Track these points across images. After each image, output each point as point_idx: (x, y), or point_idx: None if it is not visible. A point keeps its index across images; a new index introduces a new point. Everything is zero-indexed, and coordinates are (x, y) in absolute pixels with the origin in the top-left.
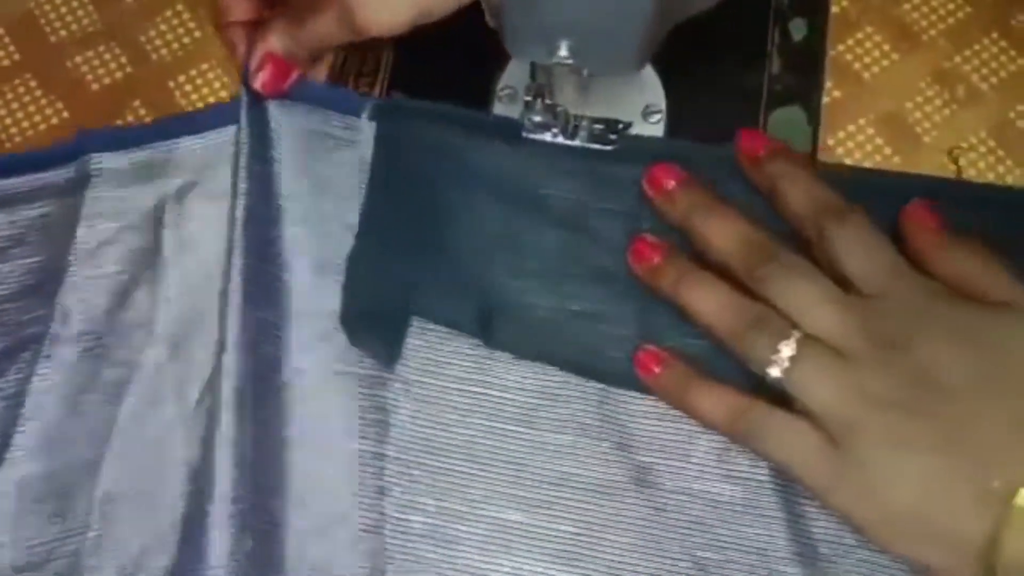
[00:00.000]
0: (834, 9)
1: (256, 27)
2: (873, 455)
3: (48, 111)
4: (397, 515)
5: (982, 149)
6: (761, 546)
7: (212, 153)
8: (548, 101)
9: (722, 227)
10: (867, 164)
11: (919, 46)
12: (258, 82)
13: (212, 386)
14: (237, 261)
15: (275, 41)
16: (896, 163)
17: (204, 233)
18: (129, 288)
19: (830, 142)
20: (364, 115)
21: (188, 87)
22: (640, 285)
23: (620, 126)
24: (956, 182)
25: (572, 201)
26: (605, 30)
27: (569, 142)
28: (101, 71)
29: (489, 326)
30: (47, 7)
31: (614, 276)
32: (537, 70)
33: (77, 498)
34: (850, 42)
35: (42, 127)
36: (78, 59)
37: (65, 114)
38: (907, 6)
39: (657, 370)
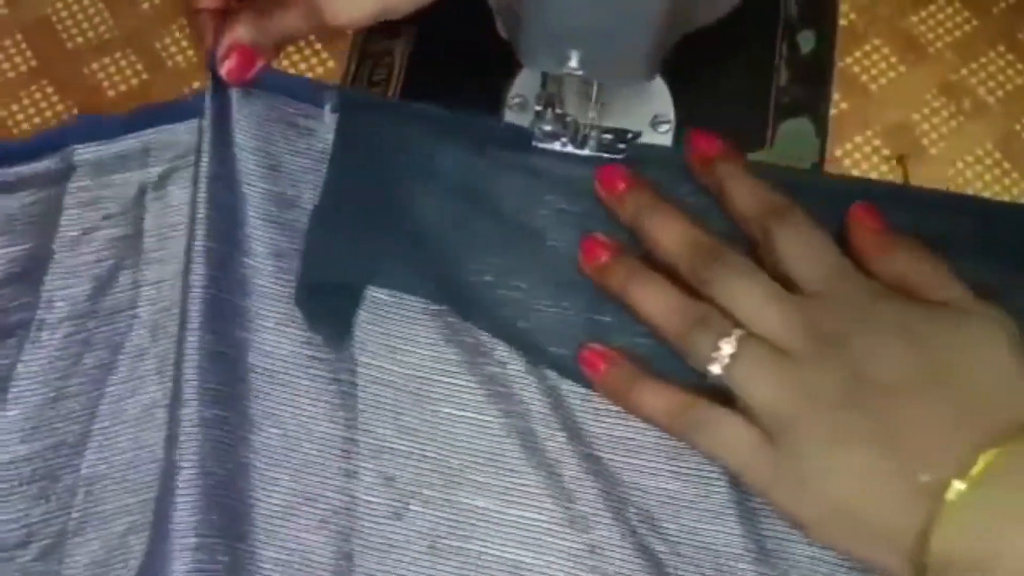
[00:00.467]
0: (842, 21)
1: (224, 16)
2: (809, 451)
3: (64, 117)
4: (365, 497)
5: (988, 161)
6: (711, 541)
7: (192, 141)
8: (558, 111)
9: (669, 228)
10: (873, 175)
11: (926, 59)
12: (224, 70)
13: (176, 367)
14: (200, 245)
15: (242, 31)
16: (902, 174)
17: (185, 219)
18: (112, 274)
19: (837, 153)
20: (327, 106)
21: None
22: (589, 283)
23: (629, 136)
24: (902, 187)
25: (528, 200)
26: (615, 40)
27: (579, 151)
28: (117, 78)
29: (448, 298)
30: (64, 14)
31: (565, 274)
32: (548, 80)
33: (62, 479)
34: (858, 54)
35: None
36: (94, 65)
37: None
38: (914, 19)
39: (603, 368)
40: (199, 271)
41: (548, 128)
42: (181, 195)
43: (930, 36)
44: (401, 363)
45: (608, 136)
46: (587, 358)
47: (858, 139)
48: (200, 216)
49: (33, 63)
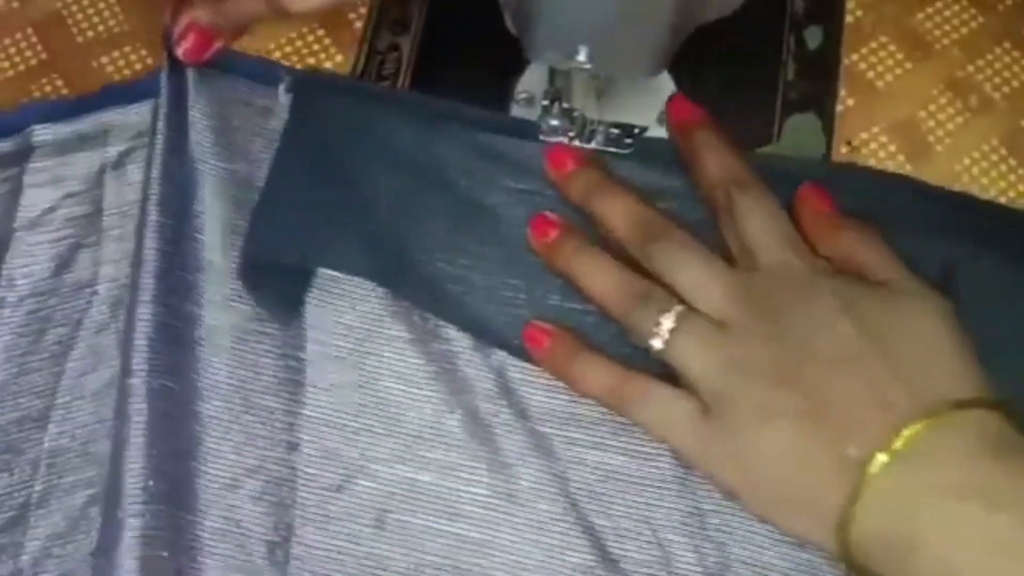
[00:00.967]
0: (849, 18)
1: None
2: (742, 423)
3: None
4: (307, 470)
5: (994, 158)
6: (651, 515)
7: (151, 120)
8: (565, 105)
9: (616, 206)
10: None
11: (932, 55)
12: (181, 50)
13: (126, 338)
14: (153, 220)
15: (200, 12)
16: (909, 170)
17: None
18: (72, 252)
19: (844, 149)
20: (282, 86)
21: None
22: (539, 261)
23: (636, 131)
24: (856, 169)
25: (479, 178)
26: (624, 36)
27: (586, 146)
28: (127, 71)
29: (394, 280)
30: (74, 7)
31: (515, 252)
32: (555, 75)
33: (25, 453)
34: (864, 51)
35: None
36: (104, 59)
37: None
38: (921, 16)
39: (546, 344)
40: (151, 245)
41: (555, 123)
42: (140, 173)
43: (936, 33)
44: (349, 339)
45: (615, 131)
46: (530, 334)
47: (864, 135)
48: (153, 192)
49: (43, 56)
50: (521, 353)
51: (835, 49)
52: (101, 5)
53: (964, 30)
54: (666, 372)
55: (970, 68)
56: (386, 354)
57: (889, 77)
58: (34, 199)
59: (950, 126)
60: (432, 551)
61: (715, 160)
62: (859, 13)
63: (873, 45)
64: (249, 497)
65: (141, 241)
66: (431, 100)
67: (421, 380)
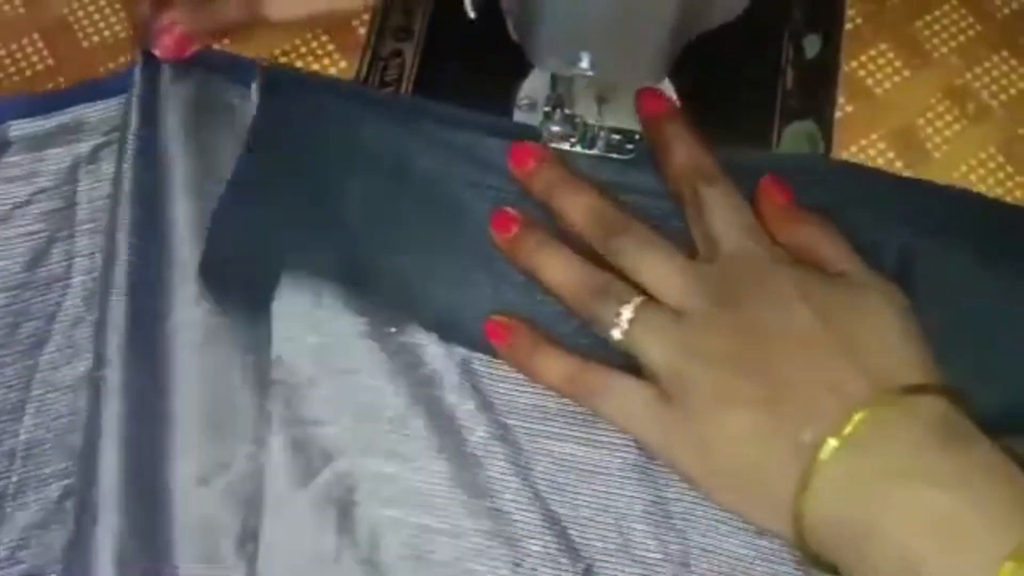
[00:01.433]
0: (848, 26)
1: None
2: (700, 410)
3: None
4: (275, 464)
5: (991, 165)
6: (613, 504)
7: (123, 114)
8: (567, 111)
9: (577, 202)
10: None
11: (930, 63)
12: (158, 48)
13: (98, 332)
14: (123, 214)
15: (178, 15)
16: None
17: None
18: (46, 246)
19: (843, 156)
20: (254, 84)
21: None
22: (500, 256)
23: (637, 136)
24: (818, 158)
25: (445, 174)
26: (626, 42)
27: (587, 151)
28: None
29: (358, 280)
30: (80, 14)
31: (478, 247)
32: (557, 81)
33: (1, 444)
34: (863, 58)
35: None
36: (111, 65)
37: None
38: (919, 24)
39: (506, 337)
40: (123, 239)
41: (557, 128)
42: (113, 168)
43: (935, 41)
44: (316, 333)
45: (616, 136)
46: (491, 328)
47: (863, 142)
48: (124, 187)
49: (50, 62)
50: (486, 347)
51: (834, 57)
52: (107, 11)
53: (962, 38)
54: (630, 364)
55: (968, 76)
56: (353, 349)
57: (888, 84)
58: (7, 194)
59: (948, 133)
60: (397, 542)
61: (682, 152)
62: (858, 21)
63: (872, 52)
64: (219, 492)
65: (113, 235)
66: (400, 98)
67: (386, 374)
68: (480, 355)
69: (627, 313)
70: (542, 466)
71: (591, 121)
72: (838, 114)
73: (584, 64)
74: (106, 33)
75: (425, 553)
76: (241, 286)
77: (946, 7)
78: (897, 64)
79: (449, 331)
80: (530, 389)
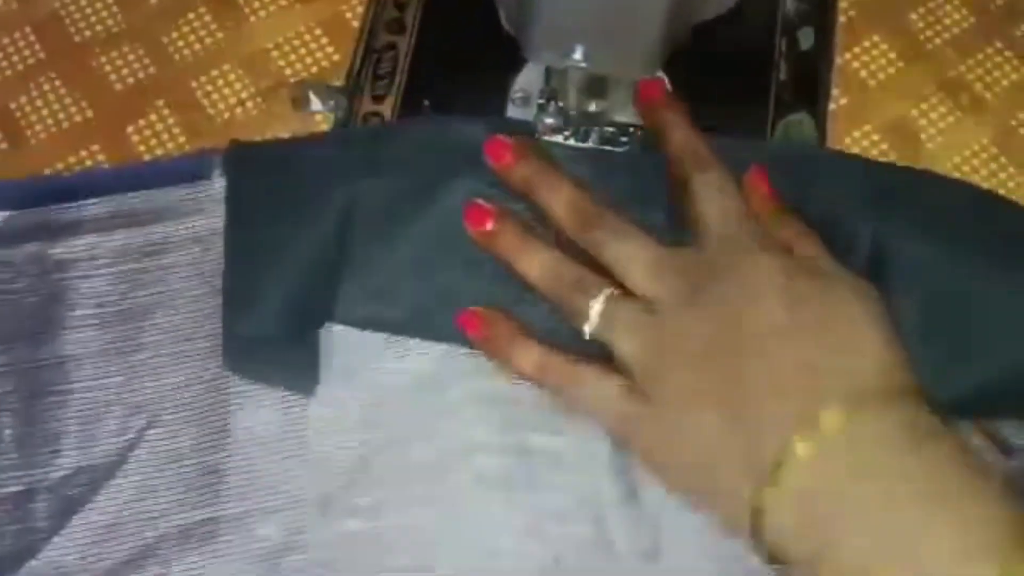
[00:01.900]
0: (841, 18)
1: None
2: (667, 405)
3: (72, 109)
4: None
5: (984, 156)
6: (586, 495)
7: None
8: (561, 104)
9: (555, 195)
10: None
11: (924, 55)
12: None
13: None
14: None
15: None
16: None
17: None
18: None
19: (837, 148)
20: (215, 171)
21: (209, 87)
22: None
23: (631, 129)
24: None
25: (422, 172)
26: (620, 35)
27: (581, 144)
28: (125, 71)
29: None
30: (72, 8)
31: (456, 240)
32: (551, 74)
33: None
34: (857, 50)
35: (66, 125)
36: (102, 59)
37: (89, 113)
38: (913, 16)
39: (481, 328)
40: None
41: (551, 122)
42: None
43: (928, 33)
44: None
45: (610, 129)
46: (465, 319)
47: (857, 134)
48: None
49: (41, 56)
50: (464, 338)
51: (828, 49)
52: (99, 5)
53: (956, 30)
54: (605, 354)
55: (962, 67)
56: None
57: (882, 76)
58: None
59: (942, 125)
60: (371, 533)
61: (679, 139)
62: (852, 13)
63: (866, 44)
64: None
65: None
66: (356, 130)
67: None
68: (459, 347)
69: (597, 306)
70: (517, 456)
71: (585, 114)
72: (832, 106)
73: (578, 56)
74: (98, 28)
75: (395, 546)
76: (280, 362)
77: None
78: (891, 56)
79: (429, 324)
80: (506, 380)
